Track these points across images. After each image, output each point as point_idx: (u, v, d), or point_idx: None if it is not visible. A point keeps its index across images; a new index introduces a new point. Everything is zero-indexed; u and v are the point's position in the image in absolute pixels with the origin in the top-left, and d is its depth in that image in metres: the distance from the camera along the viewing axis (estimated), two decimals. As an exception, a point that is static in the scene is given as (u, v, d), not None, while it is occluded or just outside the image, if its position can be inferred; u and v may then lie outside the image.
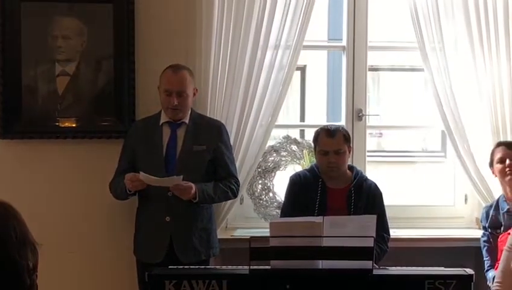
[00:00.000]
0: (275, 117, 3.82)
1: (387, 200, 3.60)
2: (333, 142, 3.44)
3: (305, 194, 3.47)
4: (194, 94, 3.51)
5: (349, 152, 3.52)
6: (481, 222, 3.73)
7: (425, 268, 2.85)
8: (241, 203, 4.00)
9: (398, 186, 6.68)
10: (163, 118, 3.48)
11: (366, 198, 3.46)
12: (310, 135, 4.01)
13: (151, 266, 2.98)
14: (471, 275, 2.75)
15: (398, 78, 9.27)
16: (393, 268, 2.95)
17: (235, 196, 3.58)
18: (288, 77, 3.79)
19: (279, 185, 3.94)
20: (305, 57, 7.71)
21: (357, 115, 4.04)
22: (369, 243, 2.69)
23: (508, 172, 3.56)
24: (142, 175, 3.27)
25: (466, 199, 4.16)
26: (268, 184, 4.00)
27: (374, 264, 2.79)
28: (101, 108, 3.78)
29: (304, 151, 4.01)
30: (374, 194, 3.50)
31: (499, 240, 3.51)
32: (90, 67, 3.76)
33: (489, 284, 3.41)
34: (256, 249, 2.67)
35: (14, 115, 3.73)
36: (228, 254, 3.65)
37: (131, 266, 3.58)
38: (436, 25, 3.81)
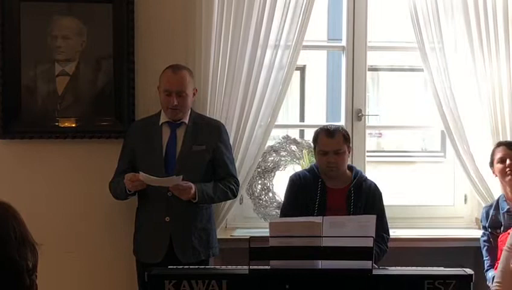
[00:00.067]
0: (275, 117, 3.82)
1: (386, 200, 3.60)
2: (333, 142, 3.44)
3: (305, 194, 3.47)
4: (194, 94, 3.51)
5: (349, 152, 3.52)
6: (481, 221, 3.73)
7: (425, 268, 2.85)
8: (240, 203, 4.00)
9: (398, 187, 6.69)
10: (163, 118, 3.48)
11: (366, 198, 3.46)
12: (309, 135, 4.01)
13: (150, 266, 2.97)
14: (470, 275, 2.75)
15: (398, 78, 9.28)
16: (393, 268, 2.95)
17: (234, 196, 3.58)
18: (287, 77, 3.79)
19: (279, 185, 3.94)
20: (304, 57, 7.73)
21: (357, 115, 4.04)
22: (369, 243, 2.69)
23: (508, 172, 3.57)
24: (142, 175, 3.27)
25: (466, 199, 4.16)
26: (268, 184, 4.00)
27: (374, 264, 2.79)
28: (100, 108, 3.78)
29: (304, 151, 4.01)
30: (373, 194, 3.50)
31: (499, 240, 3.51)
32: (90, 67, 3.76)
33: (489, 284, 3.41)
34: (255, 249, 2.67)
35: (13, 115, 3.72)
36: (228, 254, 3.65)
37: (130, 266, 3.58)
38: (435, 25, 3.81)
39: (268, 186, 4.00)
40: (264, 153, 3.95)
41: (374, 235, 2.77)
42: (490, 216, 3.63)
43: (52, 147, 3.79)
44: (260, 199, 3.97)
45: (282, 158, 4.03)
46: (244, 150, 3.77)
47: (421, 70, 4.02)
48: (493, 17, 3.80)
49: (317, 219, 2.83)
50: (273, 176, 4.02)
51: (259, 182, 3.99)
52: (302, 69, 8.83)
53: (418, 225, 4.07)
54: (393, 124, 7.88)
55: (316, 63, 8.94)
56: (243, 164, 3.77)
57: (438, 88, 3.86)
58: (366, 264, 2.73)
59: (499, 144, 3.67)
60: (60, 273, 3.69)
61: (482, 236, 3.68)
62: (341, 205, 3.43)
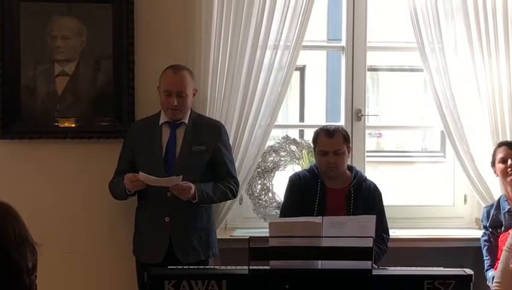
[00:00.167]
0: (274, 117, 3.82)
1: (386, 201, 3.60)
2: (332, 142, 3.44)
3: (305, 194, 3.47)
4: (194, 94, 3.51)
5: (349, 152, 3.52)
6: (482, 221, 3.73)
7: (425, 268, 2.86)
8: (240, 204, 4.00)
9: (398, 187, 6.69)
10: (163, 118, 3.48)
11: (366, 198, 3.46)
12: (309, 135, 4.02)
13: (150, 266, 2.97)
14: (470, 275, 2.76)
15: (398, 79, 9.28)
16: (393, 268, 2.96)
17: (234, 196, 3.58)
18: (287, 77, 3.79)
19: (279, 185, 3.94)
20: (304, 57, 7.74)
21: (356, 115, 4.04)
22: (369, 243, 2.69)
23: (509, 172, 3.57)
24: (142, 175, 3.27)
25: (465, 199, 4.16)
26: (268, 184, 4.00)
27: (373, 265, 2.79)
28: (100, 108, 3.78)
29: (303, 151, 4.01)
30: (373, 194, 3.50)
31: (499, 239, 3.52)
32: (90, 67, 3.76)
33: (489, 284, 3.41)
34: (255, 249, 2.67)
35: (13, 115, 3.72)
36: (227, 254, 3.65)
37: (131, 266, 3.58)
38: (435, 26, 3.81)
39: (268, 187, 4.00)
40: (264, 153, 3.95)
41: (373, 236, 2.77)
42: (491, 216, 3.63)
43: (51, 147, 3.79)
44: (260, 199, 3.97)
45: (282, 158, 4.03)
46: (243, 150, 3.77)
47: (421, 70, 4.02)
48: (493, 18, 3.80)
49: (317, 219, 2.84)
50: (273, 176, 4.02)
51: (259, 182, 3.99)
52: (302, 69, 8.83)
53: (417, 225, 4.07)
54: (393, 124, 7.86)
55: (315, 63, 8.94)
56: (243, 164, 3.77)
57: (437, 88, 3.86)
58: (366, 264, 2.73)
59: (501, 144, 3.67)
60: (60, 274, 3.69)
61: (482, 236, 3.68)
62: (341, 205, 3.43)
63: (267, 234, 2.82)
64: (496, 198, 3.78)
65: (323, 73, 9.05)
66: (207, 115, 3.66)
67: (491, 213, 3.64)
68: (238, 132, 3.76)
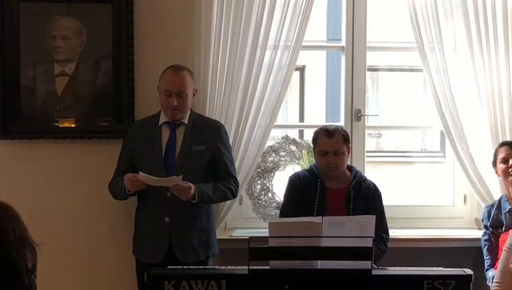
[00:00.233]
0: (274, 117, 3.82)
1: (386, 201, 3.60)
2: (332, 142, 3.44)
3: (304, 194, 3.47)
4: (194, 94, 3.51)
5: (348, 152, 3.52)
6: (482, 221, 3.73)
7: (424, 268, 2.86)
8: (240, 204, 4.00)
9: (397, 187, 6.69)
10: (163, 118, 3.48)
11: (365, 198, 3.46)
12: (309, 135, 4.01)
13: (150, 266, 2.97)
14: (470, 275, 2.76)
15: (397, 79, 9.29)
16: (392, 268, 2.96)
17: (234, 196, 3.58)
18: (287, 77, 3.79)
19: (278, 185, 3.94)
20: (304, 57, 7.73)
21: (356, 115, 4.04)
22: (368, 243, 2.69)
23: (511, 172, 3.57)
24: (142, 175, 3.27)
25: (465, 199, 4.16)
26: (268, 184, 4.00)
27: (373, 265, 2.79)
28: (100, 108, 3.78)
29: (303, 151, 4.01)
30: (373, 194, 3.50)
31: (500, 239, 3.52)
32: (89, 67, 3.76)
33: (489, 284, 3.41)
34: (255, 249, 2.67)
35: (13, 116, 3.72)
36: (227, 254, 3.65)
37: (130, 266, 3.58)
38: (435, 26, 3.81)
39: (268, 187, 4.00)
40: (264, 153, 3.95)
41: (373, 236, 2.77)
42: (492, 216, 3.63)
43: (51, 147, 3.79)
44: (259, 199, 3.97)
45: (282, 158, 4.03)
46: (243, 150, 3.77)
47: (421, 70, 4.02)
48: (492, 18, 3.80)
49: (317, 219, 2.84)
50: (273, 176, 4.02)
51: (259, 182, 3.99)
52: (302, 70, 8.83)
53: (417, 225, 4.07)
54: (392, 125, 7.88)
55: (315, 64, 8.94)
56: (243, 164, 3.77)
57: (437, 88, 3.86)
58: (366, 264, 2.73)
59: (502, 144, 3.66)
60: (60, 274, 3.69)
61: (483, 235, 3.68)
62: (340, 205, 3.43)
63: (267, 234, 2.82)
64: (495, 198, 3.78)
65: (323, 73, 9.05)
66: (207, 115, 3.66)
67: (492, 213, 3.63)
68: (237, 132, 3.76)
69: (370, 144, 8.47)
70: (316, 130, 3.55)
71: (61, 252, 3.69)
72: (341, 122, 4.04)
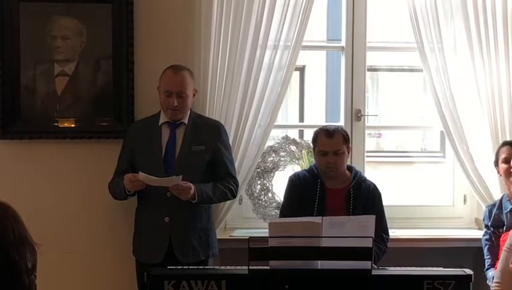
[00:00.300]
0: (274, 117, 3.82)
1: (386, 201, 3.60)
2: (332, 142, 3.44)
3: (304, 194, 3.47)
4: (194, 95, 3.51)
5: (348, 152, 3.52)
6: (483, 220, 3.72)
7: (424, 268, 2.86)
8: (240, 204, 4.00)
9: (397, 187, 6.69)
10: (163, 118, 3.48)
11: (365, 198, 3.46)
12: (309, 135, 4.02)
13: (150, 266, 2.97)
14: (470, 276, 2.76)
15: (397, 79, 9.29)
16: (392, 268, 2.96)
17: (234, 196, 3.58)
18: (287, 77, 3.79)
19: (278, 185, 3.94)
20: (304, 57, 7.73)
21: (356, 115, 4.04)
22: (368, 243, 2.69)
23: None
24: (142, 175, 3.27)
25: (465, 200, 4.16)
26: (267, 184, 4.00)
27: (373, 265, 2.79)
28: (100, 108, 3.78)
29: (303, 151, 4.01)
30: (373, 194, 3.50)
31: (500, 239, 3.51)
32: (89, 67, 3.76)
33: (489, 283, 3.41)
34: (255, 250, 2.67)
35: (13, 116, 3.72)
36: (227, 254, 3.65)
37: (130, 266, 3.58)
38: (435, 26, 3.81)
39: (268, 187, 4.00)
40: (264, 153, 3.95)
41: (373, 236, 2.77)
42: (493, 215, 3.62)
43: (51, 147, 3.79)
44: (259, 199, 3.97)
45: (282, 158, 4.03)
46: (243, 150, 3.77)
47: (421, 70, 4.03)
48: (492, 18, 3.80)
49: (317, 219, 2.84)
50: (273, 177, 4.02)
51: (259, 182, 3.99)
52: (302, 70, 8.83)
53: (417, 225, 4.07)
54: (392, 125, 7.87)
55: (315, 64, 8.94)
56: (242, 164, 3.77)
57: (437, 88, 3.86)
58: (366, 264, 2.73)
59: (504, 144, 3.66)
60: (60, 274, 3.69)
61: (483, 235, 3.68)
62: (340, 206, 3.42)
63: (267, 234, 2.82)
64: (495, 198, 3.78)
65: (323, 73, 9.05)
66: (207, 115, 3.66)
67: (493, 212, 3.63)
68: (237, 132, 3.76)
69: (370, 144, 8.47)
70: (316, 130, 3.55)
71: (61, 252, 3.70)
72: (341, 122, 4.04)
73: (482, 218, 3.90)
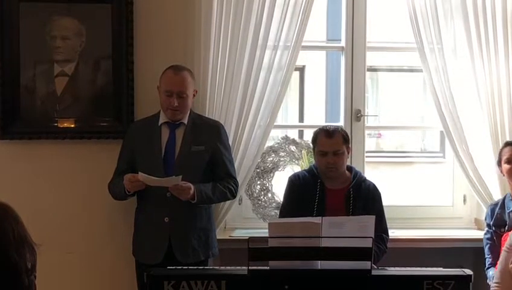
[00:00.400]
0: (274, 117, 3.82)
1: (386, 201, 3.60)
2: (332, 142, 3.44)
3: (304, 194, 3.47)
4: (194, 95, 3.51)
5: (348, 153, 3.52)
6: (485, 219, 3.71)
7: (424, 268, 2.86)
8: (239, 204, 4.00)
9: (397, 187, 6.69)
10: (162, 119, 3.48)
11: (365, 199, 3.46)
12: (308, 135, 4.01)
13: (150, 267, 2.97)
14: (469, 276, 2.76)
15: (397, 79, 9.28)
16: (392, 268, 2.95)
17: (233, 196, 3.58)
18: (287, 77, 3.79)
19: (278, 185, 3.94)
20: (303, 58, 7.72)
21: (356, 115, 4.04)
22: (368, 243, 2.69)
23: None
24: (141, 175, 3.27)
25: (465, 200, 4.16)
26: (267, 185, 4.00)
27: (373, 265, 2.79)
28: (99, 108, 3.78)
29: (303, 151, 4.01)
30: (372, 194, 3.50)
31: (502, 239, 3.51)
32: (89, 67, 3.76)
33: (489, 283, 3.41)
34: (255, 250, 2.67)
35: (12, 116, 3.72)
36: (227, 255, 3.65)
37: (130, 266, 3.58)
38: (434, 26, 3.81)
39: (268, 187, 4.00)
40: (263, 153, 3.95)
41: (373, 236, 2.77)
42: (495, 214, 3.62)
43: (51, 147, 3.78)
44: (259, 200, 3.97)
45: (281, 159, 4.03)
46: (243, 151, 3.77)
47: (420, 70, 4.02)
48: (492, 18, 3.80)
49: (317, 220, 2.83)
50: (272, 177, 4.02)
51: (258, 182, 3.99)
52: (301, 70, 8.83)
53: (417, 226, 4.07)
54: (392, 125, 7.87)
55: (315, 64, 8.93)
56: (242, 165, 3.77)
57: (437, 89, 3.86)
58: (365, 264, 2.73)
59: (507, 144, 3.65)
60: (59, 274, 3.69)
61: (485, 234, 3.67)
62: (340, 206, 3.42)
63: (267, 235, 2.82)
64: (495, 198, 3.78)
65: (323, 73, 9.05)
66: (206, 115, 3.66)
67: (496, 212, 3.62)
68: (237, 132, 3.76)
69: (370, 144, 8.46)
70: (316, 131, 3.55)
71: (61, 253, 3.69)
72: (341, 123, 4.04)
73: (481, 218, 3.91)
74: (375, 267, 2.96)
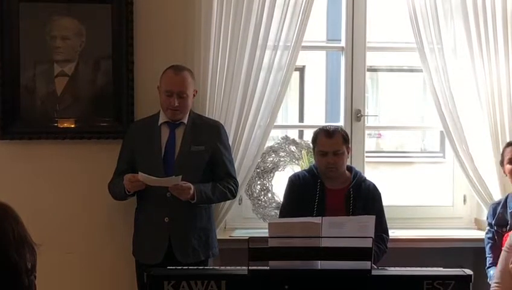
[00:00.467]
0: (274, 117, 3.82)
1: (386, 201, 3.60)
2: (332, 142, 3.44)
3: (304, 194, 3.47)
4: (194, 95, 3.51)
5: (348, 153, 3.52)
6: (487, 218, 3.71)
7: (424, 268, 2.86)
8: (239, 204, 4.00)
9: (397, 187, 6.69)
10: (162, 118, 3.48)
11: (365, 199, 3.46)
12: (308, 135, 4.01)
13: (150, 267, 2.97)
14: (469, 276, 2.76)
15: (397, 79, 9.28)
16: (392, 268, 2.95)
17: (233, 196, 3.58)
18: (287, 78, 3.79)
19: (278, 185, 3.94)
20: (303, 58, 7.73)
21: (356, 115, 4.04)
22: (368, 243, 2.69)
23: None
24: (141, 175, 3.27)
25: (465, 200, 4.16)
26: (267, 185, 4.00)
27: (373, 265, 2.79)
28: (99, 108, 3.78)
29: (303, 151, 4.01)
30: (372, 194, 3.50)
31: (503, 238, 3.51)
32: (89, 67, 3.76)
33: (490, 282, 3.40)
34: (255, 250, 2.66)
35: (12, 116, 3.72)
36: (227, 255, 3.65)
37: (130, 266, 3.58)
38: (434, 26, 3.81)
39: (268, 187, 4.00)
40: (263, 153, 3.95)
41: (373, 236, 2.77)
42: (497, 214, 3.61)
43: (51, 147, 3.78)
44: (259, 200, 3.97)
45: (281, 159, 4.03)
46: (243, 151, 3.77)
47: (420, 70, 4.02)
48: (492, 19, 3.80)
49: (317, 220, 2.83)
50: (272, 177, 4.02)
51: (259, 182, 3.99)
52: (301, 70, 8.83)
53: (417, 226, 4.07)
54: (392, 125, 7.87)
55: (315, 64, 8.94)
56: (242, 165, 3.77)
57: (437, 89, 3.86)
58: (365, 264, 2.73)
59: (509, 144, 3.64)
60: (59, 274, 3.69)
61: (486, 233, 3.66)
62: (340, 206, 3.42)
63: (267, 235, 2.81)
64: (495, 198, 3.78)
65: (323, 73, 9.05)
66: (206, 115, 3.67)
67: (498, 211, 3.62)
68: (237, 132, 3.76)
69: (370, 144, 8.46)
70: (316, 131, 3.55)
71: (61, 253, 3.69)
72: (341, 123, 4.04)
73: (481, 218, 3.91)
74: (375, 267, 2.96)
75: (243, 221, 4.05)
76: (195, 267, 3.17)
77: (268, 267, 2.77)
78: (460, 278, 2.76)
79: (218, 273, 2.87)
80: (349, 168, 3.56)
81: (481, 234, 3.75)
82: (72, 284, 3.81)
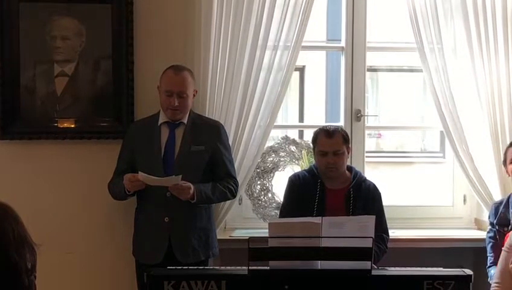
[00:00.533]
0: (274, 117, 3.82)
1: (386, 201, 3.60)
2: (332, 142, 3.44)
3: (304, 194, 3.47)
4: (194, 95, 3.51)
5: (348, 153, 3.52)
6: (489, 217, 3.70)
7: (424, 268, 2.86)
8: (240, 204, 4.00)
9: (397, 187, 6.69)
10: (162, 118, 3.48)
11: (365, 199, 3.46)
12: (308, 135, 4.02)
13: (150, 267, 2.97)
14: (469, 276, 2.76)
15: (397, 79, 9.28)
16: (392, 268, 2.95)
17: (233, 196, 3.58)
18: (287, 78, 3.79)
19: (278, 185, 3.94)
20: (303, 58, 7.73)
21: (356, 115, 4.04)
22: (368, 243, 2.69)
23: None
24: (141, 175, 3.27)
25: (465, 200, 4.16)
26: (267, 185, 4.00)
27: (373, 265, 2.79)
28: (99, 108, 3.78)
29: (303, 151, 4.01)
30: (372, 194, 3.50)
31: (505, 238, 3.50)
32: (89, 67, 3.76)
33: (490, 281, 3.40)
34: (255, 250, 2.66)
35: (12, 116, 3.72)
36: (227, 255, 3.65)
37: (130, 266, 3.58)
38: (434, 26, 3.81)
39: (268, 187, 4.00)
40: (263, 153, 3.95)
41: (373, 236, 2.77)
42: (499, 213, 3.61)
43: (51, 147, 3.78)
44: (259, 200, 3.97)
45: (282, 159, 4.03)
46: (243, 151, 3.77)
47: (420, 70, 4.02)
48: (492, 19, 3.80)
49: (317, 220, 2.83)
50: (272, 177, 4.02)
51: (259, 182, 3.99)
52: (302, 70, 8.83)
53: (417, 226, 4.07)
54: (392, 125, 7.87)
55: (315, 64, 8.94)
56: (242, 165, 3.77)
57: (437, 89, 3.86)
58: (366, 264, 2.73)
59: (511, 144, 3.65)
60: (59, 274, 3.69)
61: (488, 232, 3.66)
62: (340, 206, 3.42)
63: (267, 235, 2.81)
64: (495, 198, 3.78)
65: (323, 73, 9.05)
66: (206, 115, 3.67)
67: (500, 210, 3.61)
68: (237, 132, 3.76)
69: (370, 144, 8.46)
70: (316, 131, 3.55)
71: (61, 253, 3.69)
72: (341, 123, 4.04)
73: (481, 218, 3.91)
74: (375, 267, 2.96)
75: (243, 221, 4.05)
76: (195, 267, 3.17)
77: (268, 267, 2.77)
78: (460, 278, 2.76)
79: (218, 273, 2.87)
80: (349, 168, 3.56)
81: (481, 234, 3.75)
82: (72, 284, 3.81)
